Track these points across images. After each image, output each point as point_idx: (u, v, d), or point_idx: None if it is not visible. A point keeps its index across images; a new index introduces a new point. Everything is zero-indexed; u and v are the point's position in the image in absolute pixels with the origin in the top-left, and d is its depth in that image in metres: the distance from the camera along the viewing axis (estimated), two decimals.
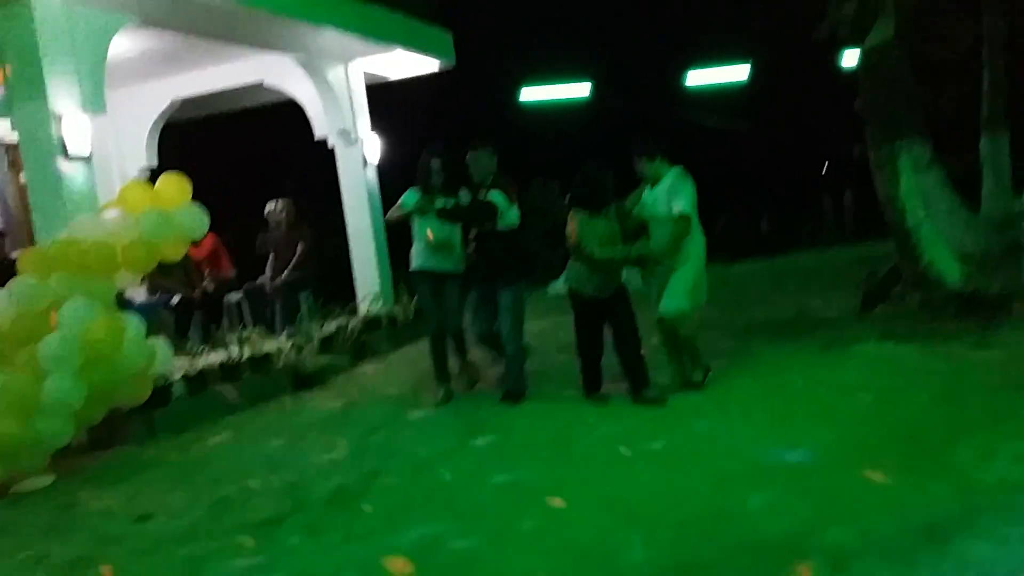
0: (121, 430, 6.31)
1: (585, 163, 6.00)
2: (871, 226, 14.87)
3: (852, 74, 10.95)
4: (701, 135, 18.72)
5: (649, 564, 3.45)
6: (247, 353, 7.54)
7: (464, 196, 6.42)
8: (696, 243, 5.95)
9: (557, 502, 4.24)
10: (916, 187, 8.24)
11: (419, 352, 9.03)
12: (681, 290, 5.91)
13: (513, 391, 6.41)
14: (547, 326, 9.19)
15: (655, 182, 5.98)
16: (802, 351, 6.84)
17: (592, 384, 6.18)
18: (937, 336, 6.70)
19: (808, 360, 6.57)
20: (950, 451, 4.26)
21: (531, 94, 18.29)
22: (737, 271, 13.33)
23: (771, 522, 3.71)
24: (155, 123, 10.36)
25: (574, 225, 5.89)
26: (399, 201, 6.53)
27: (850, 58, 12.92)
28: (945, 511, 3.58)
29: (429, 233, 6.36)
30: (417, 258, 6.55)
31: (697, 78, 19.51)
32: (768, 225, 19.02)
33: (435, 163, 6.37)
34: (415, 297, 6.84)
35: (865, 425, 4.86)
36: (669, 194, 5.88)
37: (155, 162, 10.38)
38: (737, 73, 19.23)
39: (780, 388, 5.87)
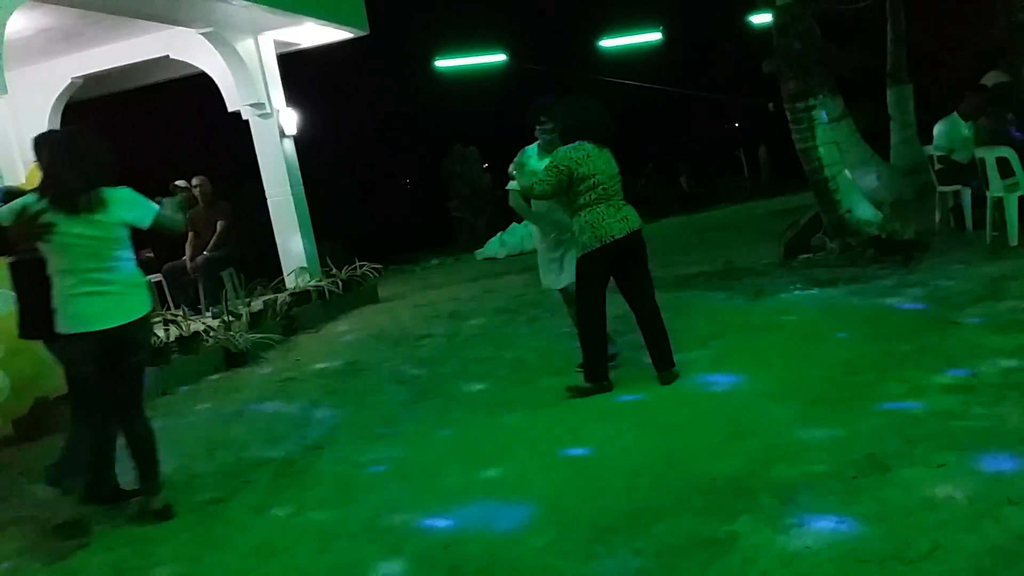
0: (49, 420, 6.07)
1: (574, 95, 5.19)
2: (786, 179, 15.30)
3: (763, 33, 11.18)
4: (618, 97, 18.88)
5: (604, 511, 3.50)
6: (174, 334, 7.34)
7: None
8: None
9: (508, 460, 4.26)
10: (831, 139, 8.50)
11: (351, 323, 8.96)
12: None
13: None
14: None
15: (551, 150, 5.30)
16: (733, 300, 7.02)
17: (604, 369, 5.16)
18: (859, 279, 6.95)
19: (740, 308, 6.75)
20: (882, 386, 4.43)
21: (447, 62, 18.11)
22: (660, 228, 13.53)
23: (718, 464, 3.80)
24: (56, 103, 9.92)
25: (593, 164, 4.90)
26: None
27: (760, 17, 13.14)
28: (883, 443, 3.71)
29: None
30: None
31: (611, 43, 19.61)
32: (688, 182, 19.39)
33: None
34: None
35: (801, 366, 5.01)
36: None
37: None
38: (649, 37, 19.38)
39: (716, 336, 6.00)
